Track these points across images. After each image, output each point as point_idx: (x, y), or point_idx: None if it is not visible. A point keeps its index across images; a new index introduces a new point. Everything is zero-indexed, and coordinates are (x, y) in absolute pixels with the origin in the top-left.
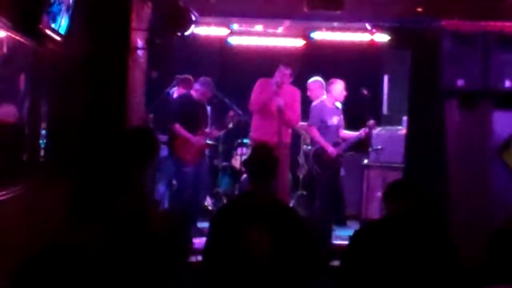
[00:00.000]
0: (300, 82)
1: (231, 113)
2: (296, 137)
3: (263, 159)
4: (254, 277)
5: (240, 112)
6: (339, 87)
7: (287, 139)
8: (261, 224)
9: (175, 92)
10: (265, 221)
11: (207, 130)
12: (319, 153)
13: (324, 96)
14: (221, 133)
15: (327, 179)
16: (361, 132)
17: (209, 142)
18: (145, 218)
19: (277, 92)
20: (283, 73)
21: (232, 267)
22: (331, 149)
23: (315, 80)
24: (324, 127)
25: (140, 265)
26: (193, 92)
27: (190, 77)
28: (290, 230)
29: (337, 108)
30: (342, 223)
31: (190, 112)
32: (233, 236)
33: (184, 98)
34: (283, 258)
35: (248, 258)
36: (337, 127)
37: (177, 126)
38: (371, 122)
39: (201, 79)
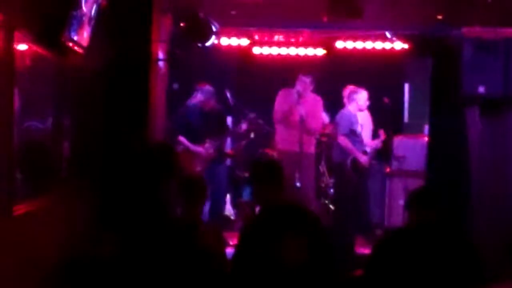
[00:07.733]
0: (321, 91)
1: (243, 125)
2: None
3: (263, 167)
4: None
5: (260, 121)
6: (364, 96)
7: (311, 148)
8: (294, 233)
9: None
10: (297, 230)
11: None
12: (354, 163)
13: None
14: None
15: (356, 188)
16: (380, 136)
17: (228, 151)
18: (169, 230)
19: (299, 102)
20: (304, 82)
21: (263, 277)
22: (364, 158)
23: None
24: (353, 136)
25: (164, 277)
26: (195, 101)
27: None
28: (315, 239)
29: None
30: (365, 232)
31: (194, 123)
32: (265, 246)
33: (186, 110)
34: (309, 267)
35: (281, 268)
36: (361, 135)
37: (181, 138)
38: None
39: (199, 88)
